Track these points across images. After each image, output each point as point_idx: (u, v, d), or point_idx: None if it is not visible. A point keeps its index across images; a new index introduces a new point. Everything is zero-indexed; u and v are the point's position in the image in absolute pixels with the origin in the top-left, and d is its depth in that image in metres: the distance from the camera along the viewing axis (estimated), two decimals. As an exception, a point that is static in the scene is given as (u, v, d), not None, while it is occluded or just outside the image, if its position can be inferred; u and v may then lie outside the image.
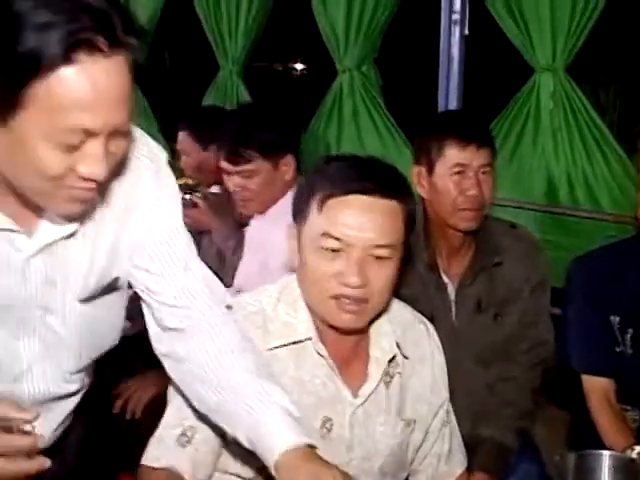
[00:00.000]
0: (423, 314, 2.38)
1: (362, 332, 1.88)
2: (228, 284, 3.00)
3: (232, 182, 2.95)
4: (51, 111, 1.27)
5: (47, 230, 1.53)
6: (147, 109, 5.89)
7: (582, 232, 3.42)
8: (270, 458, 1.58)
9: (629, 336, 2.48)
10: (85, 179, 1.36)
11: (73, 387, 1.77)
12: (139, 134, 1.60)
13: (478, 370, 2.69)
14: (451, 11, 3.79)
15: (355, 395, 1.88)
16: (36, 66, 1.23)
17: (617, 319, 2.49)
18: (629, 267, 2.51)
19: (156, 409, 1.97)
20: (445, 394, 2.10)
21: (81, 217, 1.53)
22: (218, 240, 3.20)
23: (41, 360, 1.67)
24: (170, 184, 1.71)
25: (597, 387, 2.52)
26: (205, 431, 1.83)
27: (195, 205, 3.39)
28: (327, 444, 1.84)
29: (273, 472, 1.58)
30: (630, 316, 2.47)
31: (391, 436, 1.94)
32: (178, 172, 3.02)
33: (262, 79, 6.99)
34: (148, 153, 1.64)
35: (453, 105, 3.86)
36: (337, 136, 4.47)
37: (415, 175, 2.65)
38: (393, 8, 4.07)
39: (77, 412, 1.86)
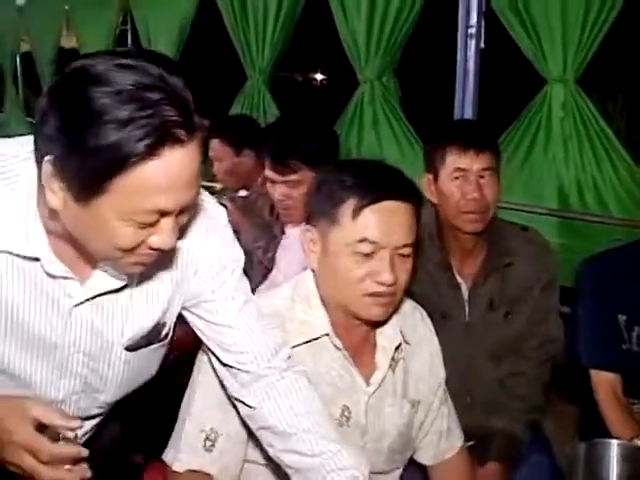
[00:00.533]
0: (434, 311, 2.42)
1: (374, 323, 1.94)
2: (257, 283, 3.03)
3: (277, 191, 2.96)
4: (131, 196, 1.28)
5: (99, 281, 1.55)
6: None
7: (591, 235, 3.42)
8: None
9: (635, 334, 2.49)
10: (154, 249, 1.39)
11: (103, 410, 1.79)
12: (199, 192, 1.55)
13: (490, 365, 2.70)
14: (467, 25, 3.80)
15: (368, 383, 1.93)
16: (121, 162, 1.24)
17: (624, 317, 2.50)
18: (635, 269, 2.52)
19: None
20: (442, 374, 2.15)
21: (138, 274, 1.56)
22: (247, 241, 3.24)
23: (78, 394, 1.69)
24: (229, 238, 1.74)
25: (605, 381, 2.54)
26: (227, 432, 1.87)
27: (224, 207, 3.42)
28: (345, 431, 1.90)
29: None
30: (636, 315, 2.48)
31: (398, 417, 2.00)
32: (210, 176, 3.06)
33: (284, 88, 7.01)
34: (208, 212, 1.67)
35: (469, 115, 3.86)
36: (357, 144, 4.47)
37: (425, 182, 2.69)
38: (412, 22, 4.08)
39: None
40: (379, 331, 1.97)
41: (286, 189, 2.95)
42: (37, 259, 1.48)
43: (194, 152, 1.32)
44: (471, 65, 3.83)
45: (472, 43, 3.81)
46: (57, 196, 1.32)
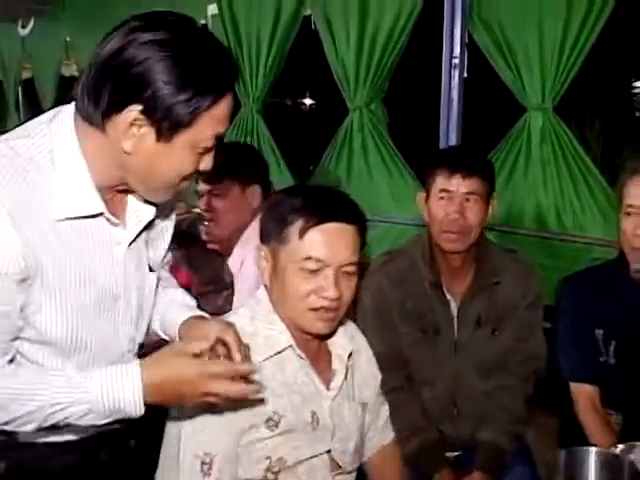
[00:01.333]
0: (428, 327, 2.47)
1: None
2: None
3: (203, 202, 3.01)
4: (209, 127, 1.57)
5: (133, 222, 1.73)
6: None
7: (569, 255, 3.45)
8: (175, 329, 1.87)
9: (612, 348, 2.54)
10: (197, 171, 1.64)
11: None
12: None
13: (477, 379, 2.74)
14: (451, 56, 3.82)
15: (328, 388, 2.01)
16: (211, 101, 1.53)
17: (601, 332, 2.54)
18: (612, 286, 2.57)
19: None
20: (378, 377, 2.25)
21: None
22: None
23: (132, 340, 1.83)
24: None
25: (584, 393, 2.58)
26: (220, 452, 1.89)
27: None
28: (317, 434, 1.97)
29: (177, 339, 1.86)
30: (613, 330, 2.53)
31: (355, 419, 2.09)
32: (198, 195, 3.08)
33: (275, 113, 7.03)
34: None
35: (453, 141, 3.87)
36: (347, 169, 4.48)
37: (419, 200, 2.75)
38: (399, 53, 4.10)
39: None
40: (330, 342, 2.06)
41: (210, 199, 2.99)
42: (101, 214, 1.64)
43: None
44: (455, 94, 3.85)
45: (456, 73, 3.83)
46: (132, 140, 1.53)
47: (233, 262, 3.03)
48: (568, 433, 2.55)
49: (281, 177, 4.65)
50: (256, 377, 1.73)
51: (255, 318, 1.99)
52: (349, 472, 2.09)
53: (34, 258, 1.53)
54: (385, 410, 2.31)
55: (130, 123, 1.50)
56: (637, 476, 1.70)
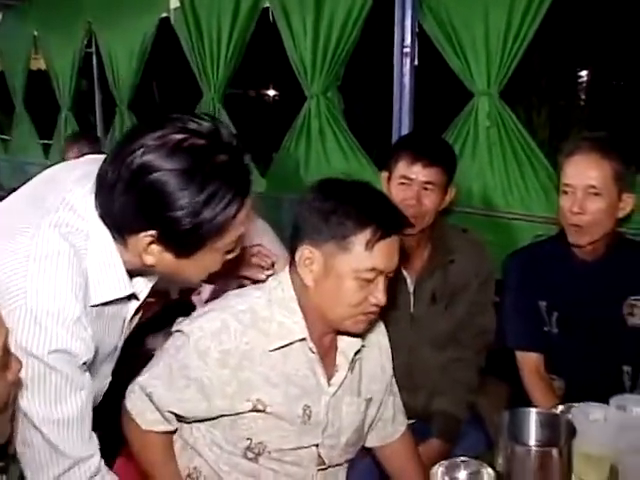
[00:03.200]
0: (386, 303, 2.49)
1: None
2: None
3: None
4: (221, 248, 1.62)
5: (142, 290, 1.72)
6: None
7: (514, 232, 3.48)
8: None
9: (554, 318, 2.59)
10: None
11: None
12: None
13: (433, 353, 2.78)
14: (403, 45, 3.82)
15: (329, 384, 1.94)
16: (219, 231, 1.54)
17: (544, 304, 2.60)
18: (554, 260, 2.62)
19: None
20: (390, 371, 2.17)
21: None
22: None
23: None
24: None
25: (529, 361, 2.62)
26: (205, 468, 1.96)
27: None
28: (306, 427, 1.91)
29: None
30: (555, 301, 2.58)
31: (355, 414, 2.01)
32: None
33: (238, 104, 7.01)
34: None
35: (405, 125, 3.89)
36: (305, 153, 4.48)
37: (382, 179, 2.76)
38: (353, 42, 4.10)
39: None
40: (340, 336, 1.98)
41: None
42: (134, 296, 1.67)
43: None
44: (406, 81, 3.86)
45: (407, 61, 3.84)
46: (153, 256, 1.53)
47: None
48: (517, 400, 2.57)
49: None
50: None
51: (272, 302, 1.91)
52: (335, 465, 2.04)
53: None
54: (394, 402, 2.23)
55: (147, 245, 1.51)
56: (573, 432, 1.73)
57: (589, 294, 2.54)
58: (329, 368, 1.96)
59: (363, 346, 2.03)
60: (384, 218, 1.82)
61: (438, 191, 2.66)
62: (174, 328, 1.94)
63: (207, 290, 3.03)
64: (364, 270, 1.80)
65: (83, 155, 4.17)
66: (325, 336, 1.95)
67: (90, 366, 1.60)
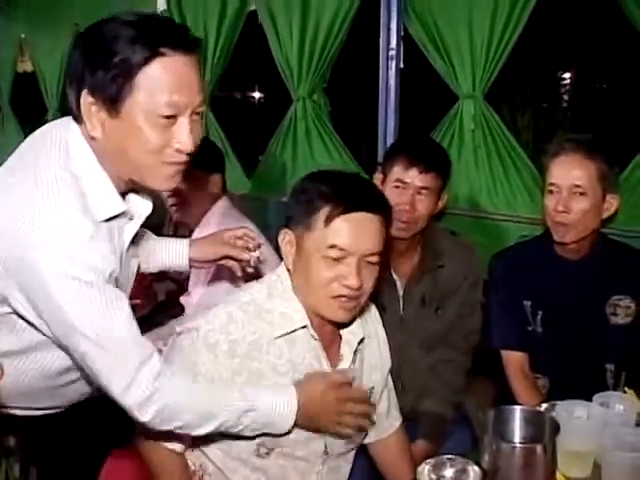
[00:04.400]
0: (376, 305, 2.49)
1: None
2: None
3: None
4: (150, 93, 1.53)
5: (136, 214, 1.78)
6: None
7: (500, 233, 3.50)
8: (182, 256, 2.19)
9: (539, 317, 2.61)
10: (178, 151, 1.58)
11: None
12: None
13: (422, 354, 2.80)
14: (388, 48, 3.84)
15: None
16: (136, 65, 1.52)
17: (529, 303, 2.62)
18: (539, 260, 2.64)
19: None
20: (389, 361, 2.19)
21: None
22: None
23: None
24: None
25: (514, 360, 2.64)
26: (211, 466, 1.96)
27: None
28: None
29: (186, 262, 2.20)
30: (539, 301, 2.60)
31: None
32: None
33: (225, 107, 6.99)
34: None
35: (391, 127, 3.91)
36: (292, 155, 4.49)
37: (376, 180, 2.76)
38: (339, 45, 4.12)
39: None
40: (342, 329, 2.00)
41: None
42: (123, 213, 1.69)
43: (194, 61, 1.58)
44: (392, 83, 3.88)
45: (392, 64, 3.86)
46: (97, 124, 1.56)
47: None
48: (503, 398, 2.59)
49: (230, 167, 4.66)
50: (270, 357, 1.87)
51: (273, 295, 1.93)
52: (338, 455, 2.05)
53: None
54: (389, 396, 2.25)
55: (89, 108, 1.55)
56: (557, 429, 1.76)
57: (573, 294, 2.57)
58: (334, 357, 1.98)
59: (364, 337, 2.05)
60: (346, 194, 1.83)
61: (432, 196, 2.67)
62: (177, 329, 1.95)
63: (197, 292, 3.05)
64: (326, 247, 1.82)
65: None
66: (324, 326, 1.96)
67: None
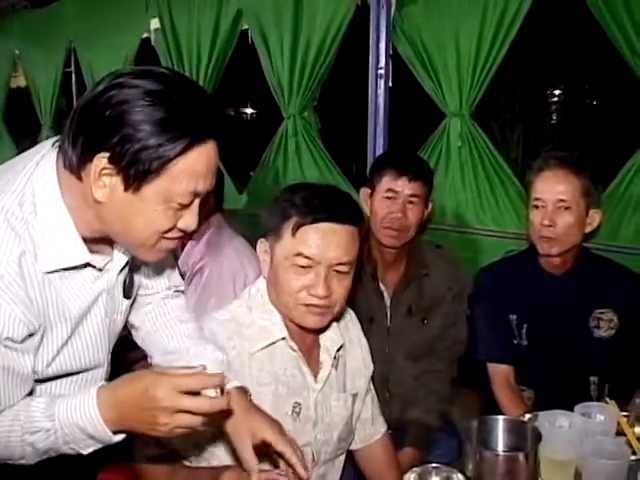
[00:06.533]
0: (364, 316, 2.52)
1: None
2: None
3: None
4: (178, 180, 1.43)
5: (116, 263, 1.66)
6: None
7: (486, 248, 3.53)
8: None
9: (524, 331, 2.65)
10: (181, 230, 1.51)
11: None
12: None
13: (408, 364, 2.83)
14: (377, 67, 3.88)
15: (315, 380, 1.98)
16: (171, 156, 1.40)
17: (514, 317, 2.65)
18: (524, 274, 2.67)
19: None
20: (371, 366, 2.21)
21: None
22: None
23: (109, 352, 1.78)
24: None
25: (499, 372, 2.67)
26: None
27: None
28: (297, 425, 1.95)
29: None
30: (525, 314, 2.64)
31: (344, 409, 2.06)
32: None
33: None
34: None
35: (380, 144, 3.95)
36: (283, 171, 4.52)
37: (363, 195, 2.82)
38: (329, 64, 4.15)
39: None
40: (321, 335, 2.03)
41: None
42: (87, 264, 1.57)
43: (216, 144, 1.47)
44: (381, 101, 3.92)
45: (381, 82, 3.89)
46: (104, 190, 1.42)
47: (185, 257, 3.07)
48: (488, 410, 2.62)
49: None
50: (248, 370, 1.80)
51: (252, 308, 1.96)
52: (326, 462, 2.07)
53: (37, 314, 1.48)
54: (372, 402, 2.26)
55: (100, 172, 1.40)
56: (539, 438, 1.80)
57: (557, 308, 2.61)
58: (314, 365, 2.00)
59: (344, 343, 2.08)
60: (313, 205, 1.85)
61: (421, 205, 2.75)
62: None
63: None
64: (292, 255, 1.84)
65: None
66: (304, 333, 1.98)
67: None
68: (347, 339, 2.12)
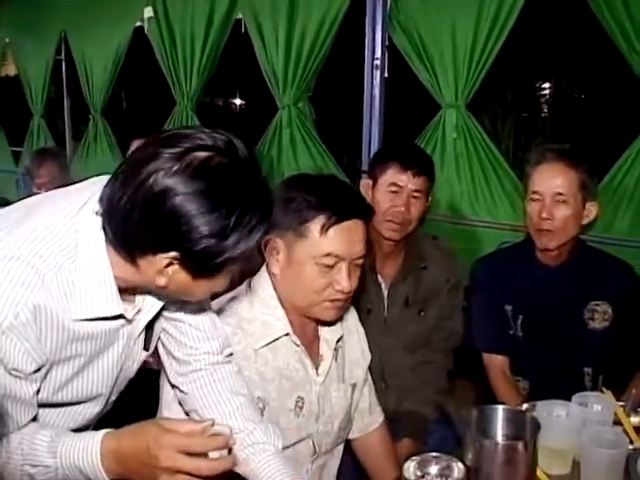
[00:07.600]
0: (362, 307, 2.52)
1: None
2: None
3: None
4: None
5: (145, 309, 1.62)
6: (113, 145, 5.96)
7: (481, 239, 3.56)
8: None
9: (520, 322, 2.65)
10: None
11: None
12: None
13: (404, 356, 2.82)
14: (373, 58, 3.89)
15: (317, 373, 1.99)
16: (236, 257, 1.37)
17: (510, 308, 2.65)
18: (520, 266, 2.68)
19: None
20: (369, 357, 2.22)
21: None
22: None
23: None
24: None
25: (495, 363, 2.68)
26: None
27: None
28: (300, 419, 1.96)
29: None
30: (521, 305, 2.64)
31: (344, 399, 2.07)
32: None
33: (207, 112, 7.00)
34: None
35: (375, 135, 3.95)
36: (277, 160, 4.51)
37: (364, 186, 2.82)
38: (325, 55, 4.16)
39: None
40: (321, 326, 2.04)
41: None
42: (121, 316, 1.52)
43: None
44: (377, 92, 3.92)
45: (377, 73, 3.90)
46: (166, 277, 1.39)
47: None
48: (484, 400, 2.62)
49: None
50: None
51: (254, 303, 1.96)
52: (326, 453, 2.09)
53: (49, 352, 1.45)
54: (369, 392, 2.27)
55: (165, 266, 1.37)
56: (538, 428, 1.81)
57: (553, 299, 2.62)
58: (314, 358, 2.01)
59: (343, 334, 2.10)
60: (338, 203, 1.86)
61: (423, 199, 2.75)
62: None
63: None
64: (321, 256, 1.85)
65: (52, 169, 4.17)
66: (307, 327, 2.00)
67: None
68: (345, 329, 2.13)
